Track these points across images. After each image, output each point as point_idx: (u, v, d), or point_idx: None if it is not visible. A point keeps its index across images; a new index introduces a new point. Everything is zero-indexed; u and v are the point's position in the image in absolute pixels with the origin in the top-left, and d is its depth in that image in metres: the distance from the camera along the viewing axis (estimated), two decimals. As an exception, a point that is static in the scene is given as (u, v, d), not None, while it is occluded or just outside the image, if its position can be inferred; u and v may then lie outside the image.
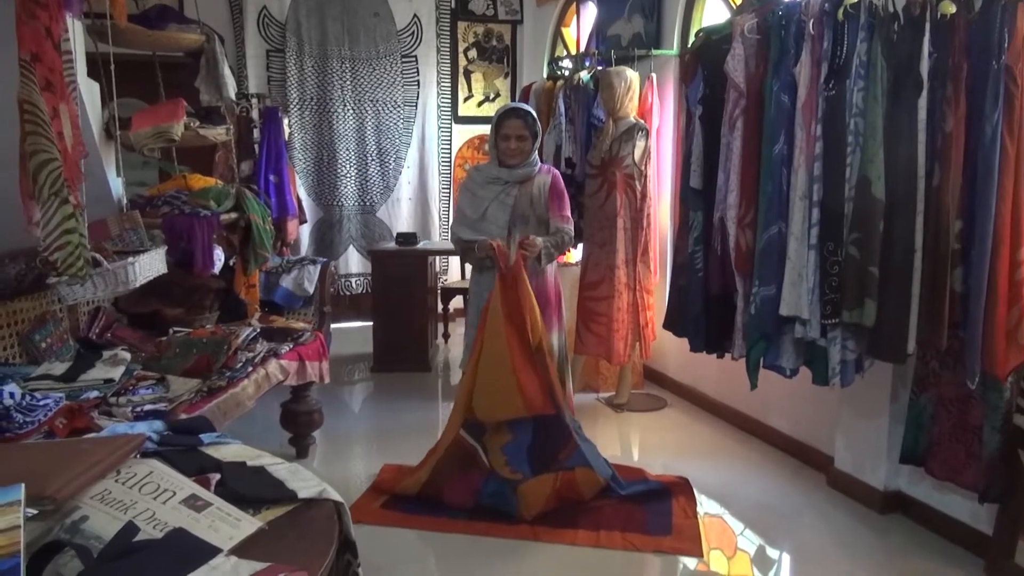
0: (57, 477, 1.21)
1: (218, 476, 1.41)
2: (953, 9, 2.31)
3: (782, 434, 3.67)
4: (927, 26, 2.33)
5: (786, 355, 2.70)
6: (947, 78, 2.32)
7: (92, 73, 3.19)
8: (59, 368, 2.38)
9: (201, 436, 1.60)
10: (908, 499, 2.95)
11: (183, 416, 2.43)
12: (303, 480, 1.44)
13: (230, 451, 1.57)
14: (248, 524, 1.24)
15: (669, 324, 3.29)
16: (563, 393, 3.09)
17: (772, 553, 2.82)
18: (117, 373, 2.35)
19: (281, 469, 1.49)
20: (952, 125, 2.32)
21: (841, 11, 2.41)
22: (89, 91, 3.05)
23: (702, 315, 3.06)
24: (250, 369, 3.01)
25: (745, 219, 2.72)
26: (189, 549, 1.12)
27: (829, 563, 2.69)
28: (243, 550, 1.18)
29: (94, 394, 2.23)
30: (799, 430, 3.56)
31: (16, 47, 2.15)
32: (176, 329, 3.11)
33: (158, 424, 1.58)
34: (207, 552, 1.13)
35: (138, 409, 2.26)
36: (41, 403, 1.98)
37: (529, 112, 3.19)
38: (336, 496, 1.41)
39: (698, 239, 3.06)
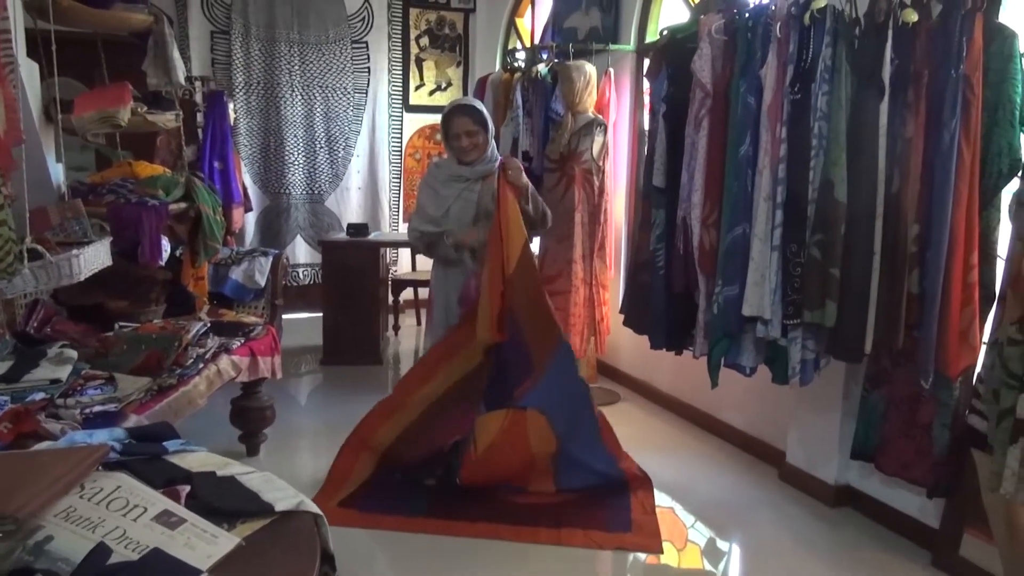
0: (17, 494, 1.13)
1: (188, 488, 1.34)
2: (915, 17, 2.36)
3: (735, 429, 3.73)
4: (889, 33, 2.38)
5: (747, 354, 2.74)
6: (908, 85, 2.37)
7: (31, 52, 3.01)
8: (0, 367, 2.24)
9: (165, 444, 1.53)
10: (858, 493, 3.03)
11: (133, 416, 2.33)
12: (278, 490, 1.39)
13: (197, 459, 1.50)
14: (226, 541, 1.18)
15: (629, 321, 3.30)
16: (538, 332, 2.99)
17: (724, 546, 2.86)
18: (64, 372, 2.23)
19: (254, 479, 1.43)
20: (912, 131, 2.37)
21: (807, 16, 2.44)
22: (29, 72, 2.89)
23: (663, 313, 3.08)
24: (201, 366, 2.91)
25: (709, 219, 2.74)
26: (168, 571, 1.06)
27: (782, 555, 2.75)
28: (223, 569, 1.13)
29: (40, 395, 2.11)
30: (752, 425, 3.63)
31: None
32: (122, 324, 2.98)
33: (119, 432, 1.50)
34: (187, 573, 1.07)
35: (87, 411, 2.15)
36: (-15, 407, 1.86)
37: (473, 106, 3.12)
38: (314, 508, 1.36)
39: (660, 237, 3.07)
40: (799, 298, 2.52)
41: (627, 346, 4.50)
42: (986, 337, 2.41)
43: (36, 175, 2.92)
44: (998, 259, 2.44)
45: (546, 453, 2.95)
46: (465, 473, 2.90)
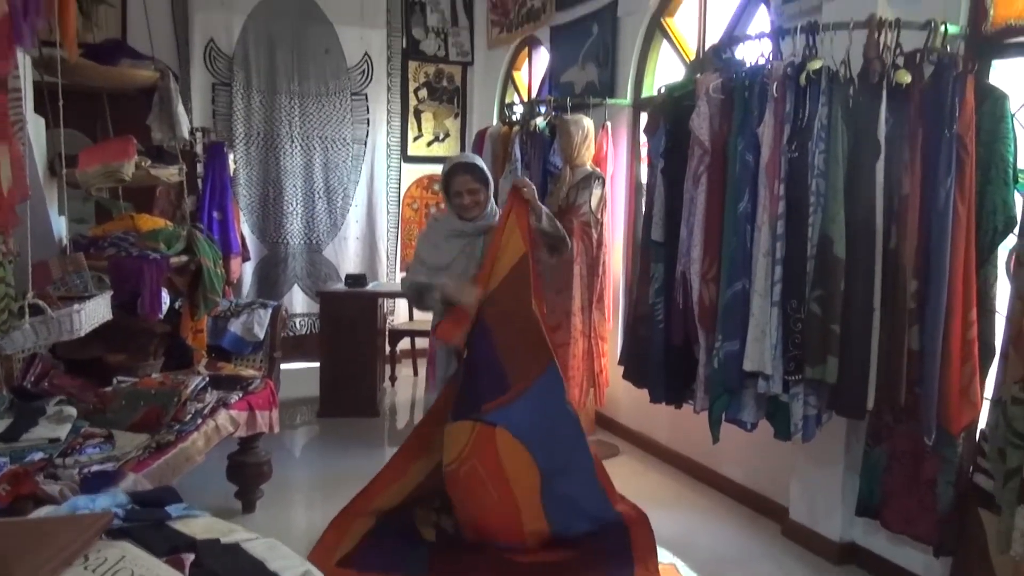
0: (22, 565, 1.11)
1: (192, 556, 1.32)
2: (908, 79, 2.41)
3: (736, 483, 3.70)
4: (884, 93, 2.43)
5: (748, 409, 2.73)
6: (903, 143, 2.42)
7: (37, 104, 3.05)
8: (-2, 425, 2.22)
9: (168, 508, 1.51)
10: (863, 550, 3.00)
11: (131, 475, 2.30)
12: (283, 558, 1.37)
13: (200, 525, 1.48)
14: (232, 613, 1.16)
15: (628, 374, 3.29)
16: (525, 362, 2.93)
17: (732, 606, 2.82)
18: (63, 431, 2.21)
19: (258, 546, 1.41)
20: (908, 188, 2.41)
21: (803, 76, 2.49)
22: (35, 127, 2.92)
23: (663, 366, 3.08)
24: (199, 421, 2.88)
25: (709, 274, 2.75)
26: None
27: (790, 616, 2.70)
28: (229, 645, 1.10)
29: (39, 455, 2.09)
30: (753, 479, 3.60)
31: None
32: (121, 379, 2.96)
33: (122, 497, 1.49)
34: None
35: (85, 471, 2.12)
36: (-17, 469, 1.84)
37: (475, 164, 3.14)
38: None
39: (659, 290, 3.08)
40: (800, 354, 2.52)
41: (626, 398, 4.48)
42: (988, 393, 2.42)
43: (39, 228, 2.92)
44: (996, 315, 2.47)
45: (529, 485, 2.83)
46: (454, 506, 2.84)
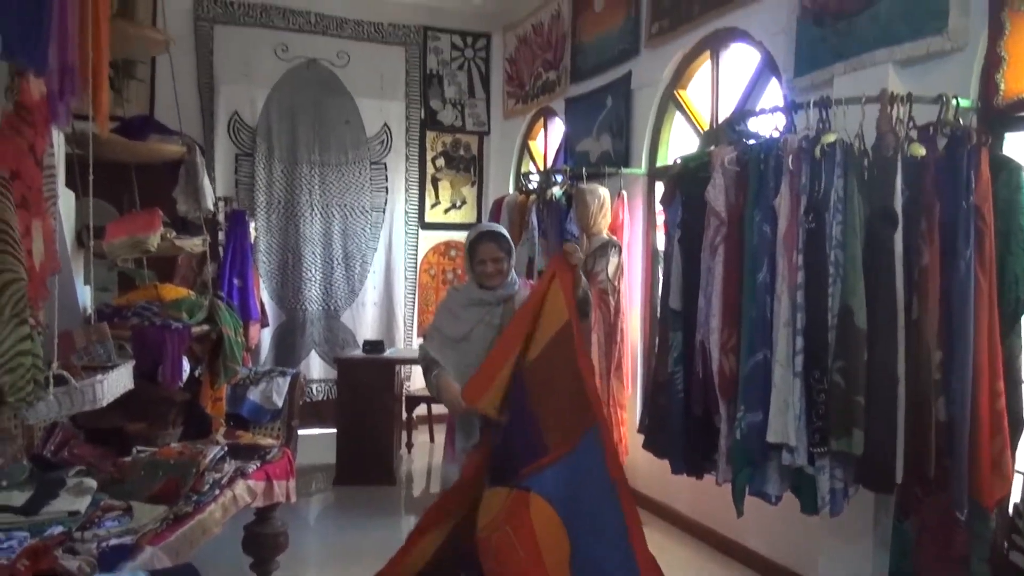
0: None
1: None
2: (923, 152, 2.44)
3: (761, 556, 3.61)
4: (899, 165, 2.46)
5: (772, 482, 2.68)
6: (921, 215, 2.43)
7: (67, 178, 3.13)
8: (19, 498, 2.22)
9: (188, 587, 1.49)
10: (895, 629, 2.89)
11: (149, 548, 2.28)
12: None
13: (220, 605, 1.46)
14: None
15: (649, 444, 3.25)
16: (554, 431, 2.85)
17: None
18: (83, 504, 2.20)
19: (279, 628, 1.38)
20: (928, 259, 2.41)
21: (818, 149, 2.52)
22: (65, 199, 2.99)
23: (683, 436, 3.03)
24: (217, 492, 2.86)
25: (728, 344, 2.74)
26: None
27: None
28: None
29: (59, 529, 2.08)
30: (778, 552, 3.51)
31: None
32: (140, 448, 2.96)
33: (141, 575, 1.47)
34: None
35: (103, 544, 2.11)
36: (4, 544, 1.83)
37: (500, 233, 3.17)
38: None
39: (678, 359, 3.06)
40: (824, 425, 2.49)
41: (646, 467, 4.41)
42: (1019, 466, 2.37)
43: (65, 299, 2.97)
44: (1023, 385, 2.44)
45: (559, 557, 2.70)
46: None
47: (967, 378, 2.33)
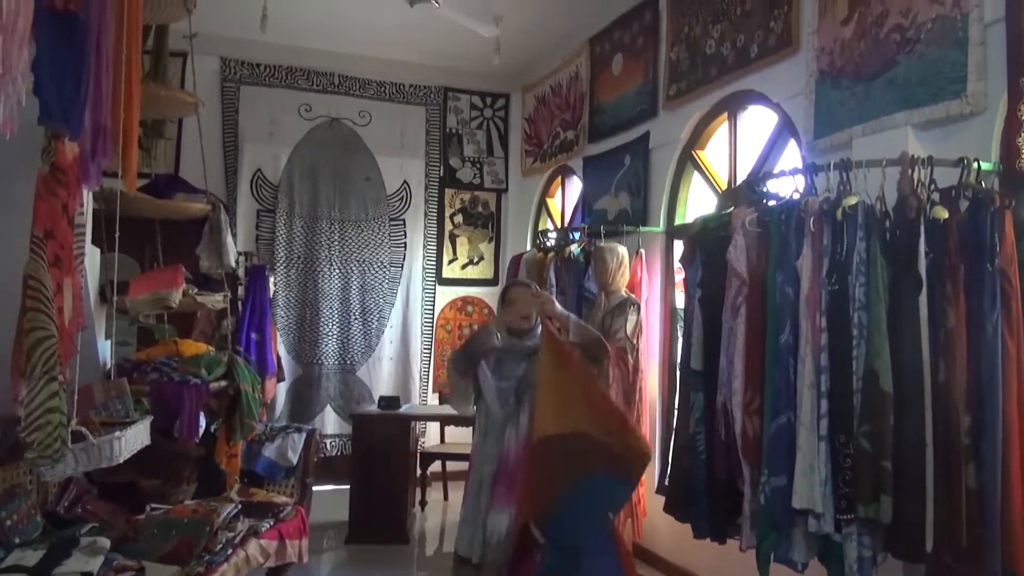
0: None
1: None
2: (946, 214, 2.43)
3: (786, 626, 3.48)
4: (921, 228, 2.44)
5: (798, 548, 2.60)
6: (945, 277, 2.41)
7: (93, 234, 3.18)
8: (31, 558, 2.20)
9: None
10: None
11: (160, 611, 2.25)
12: None
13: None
14: None
15: (669, 508, 3.18)
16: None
17: None
18: (96, 565, 2.18)
19: None
20: (954, 322, 2.38)
21: (840, 211, 2.52)
22: (91, 258, 3.04)
23: (705, 499, 2.97)
24: (230, 551, 2.84)
25: (751, 405, 2.70)
26: None
27: None
28: None
29: (70, 590, 2.05)
30: (804, 622, 3.38)
31: (31, 220, 2.15)
32: (154, 506, 2.94)
33: (155, 642, 1.44)
34: None
35: (115, 606, 2.07)
36: (16, 606, 1.81)
37: (532, 284, 3.29)
38: None
39: (699, 420, 3.02)
40: (852, 491, 2.43)
41: (665, 529, 4.31)
42: (1054, 536, 2.30)
43: (86, 353, 2.99)
44: (1055, 451, 2.37)
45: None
46: None
47: (997, 443, 2.28)
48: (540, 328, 3.16)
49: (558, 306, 3.06)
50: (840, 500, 2.46)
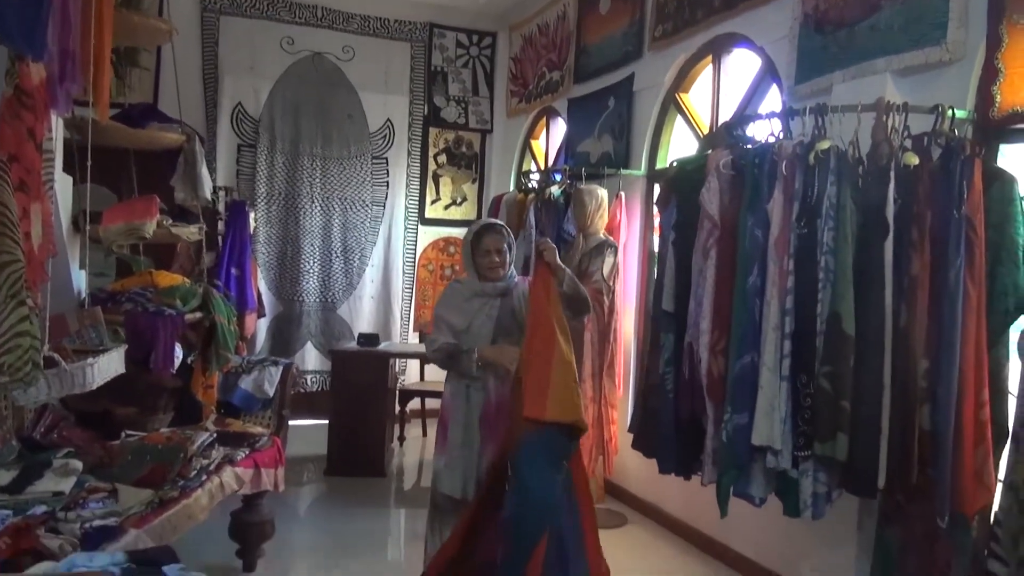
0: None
1: (186, 620, 1.31)
2: (916, 160, 2.45)
3: (747, 559, 3.61)
4: (892, 174, 2.46)
5: (756, 484, 2.69)
6: (912, 224, 2.44)
7: (66, 164, 3.15)
8: (4, 477, 2.24)
9: (165, 569, 1.51)
10: (876, 635, 2.90)
11: (132, 531, 2.30)
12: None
13: (196, 587, 1.47)
14: None
15: (638, 444, 3.26)
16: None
17: None
18: (68, 485, 2.22)
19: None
20: (918, 268, 2.42)
21: (812, 155, 2.53)
22: (63, 186, 3.00)
23: (672, 437, 3.04)
24: (204, 478, 2.88)
25: (718, 346, 2.75)
26: None
27: None
28: None
29: (42, 509, 2.10)
30: (764, 556, 3.52)
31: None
32: (128, 432, 2.98)
33: (119, 556, 1.49)
34: None
35: (87, 525, 2.12)
36: (-14, 522, 1.85)
37: (503, 225, 3.19)
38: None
39: (669, 361, 3.07)
40: (810, 429, 2.50)
41: (635, 467, 4.43)
42: (1001, 475, 2.38)
43: (59, 282, 2.98)
44: (1009, 396, 2.44)
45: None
46: None
47: (952, 387, 2.34)
48: (514, 274, 3.18)
49: (558, 257, 3.04)
50: (798, 438, 2.53)
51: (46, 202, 2.32)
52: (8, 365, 2.11)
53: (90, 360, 2.57)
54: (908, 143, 2.53)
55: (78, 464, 2.40)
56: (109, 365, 2.70)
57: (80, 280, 3.29)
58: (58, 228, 2.85)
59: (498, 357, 2.98)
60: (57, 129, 2.77)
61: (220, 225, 5.15)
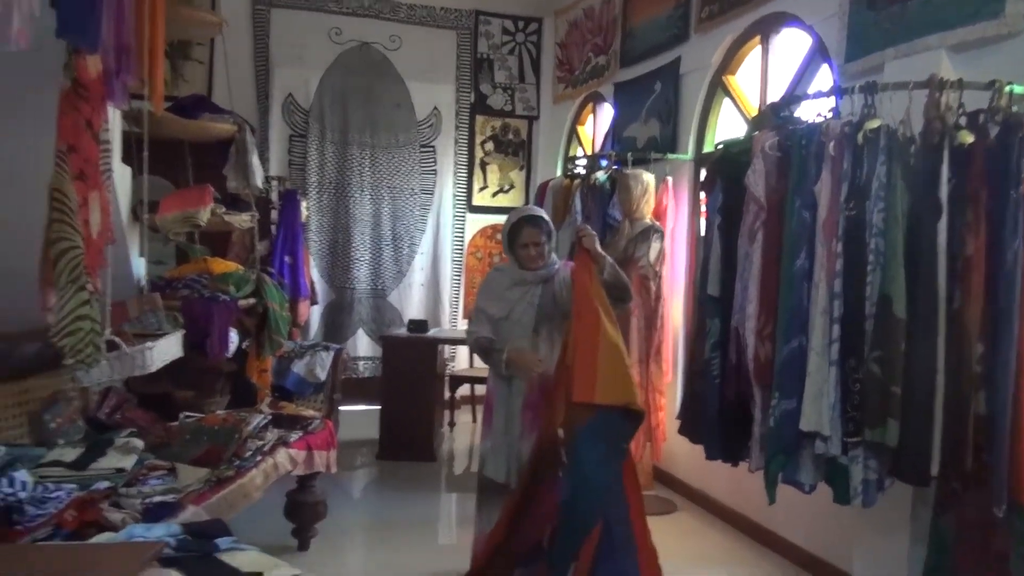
0: (77, 589, 1.18)
1: (236, 589, 1.37)
2: (971, 139, 2.37)
3: (797, 547, 3.57)
4: (945, 153, 2.39)
5: (805, 470, 2.65)
6: (966, 204, 2.37)
7: (125, 155, 3.27)
8: (70, 454, 2.35)
9: (217, 541, 1.57)
10: (929, 625, 2.84)
11: (191, 507, 2.39)
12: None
13: (247, 559, 1.53)
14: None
15: (684, 430, 3.24)
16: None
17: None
18: (129, 462, 2.32)
19: (300, 583, 1.45)
20: (972, 249, 2.35)
21: (861, 135, 2.47)
22: (121, 176, 3.12)
23: (718, 423, 3.02)
24: (259, 458, 2.98)
25: (764, 330, 2.72)
26: None
27: None
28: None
29: (105, 484, 2.20)
30: (815, 543, 3.47)
31: (55, 136, 2.22)
32: (187, 414, 3.09)
33: (175, 527, 1.56)
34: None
35: (147, 501, 2.22)
36: (53, 495, 1.95)
37: (540, 216, 3.17)
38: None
39: (715, 346, 3.05)
40: (859, 415, 2.45)
41: (684, 453, 4.40)
42: (1060, 463, 2.31)
43: (120, 269, 3.11)
44: (1070, 381, 2.36)
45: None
46: None
47: (1009, 372, 2.27)
48: (556, 261, 3.18)
49: (598, 244, 3.04)
50: (847, 423, 2.49)
51: (104, 191, 2.42)
52: (70, 347, 2.21)
53: (149, 344, 2.68)
54: (963, 121, 2.45)
55: (139, 443, 2.51)
56: (168, 349, 2.81)
57: (140, 267, 3.42)
58: (117, 217, 2.96)
59: (521, 362, 2.99)
60: (115, 121, 2.87)
61: (273, 214, 5.28)
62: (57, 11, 1.85)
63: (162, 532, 1.50)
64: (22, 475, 2.02)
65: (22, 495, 1.88)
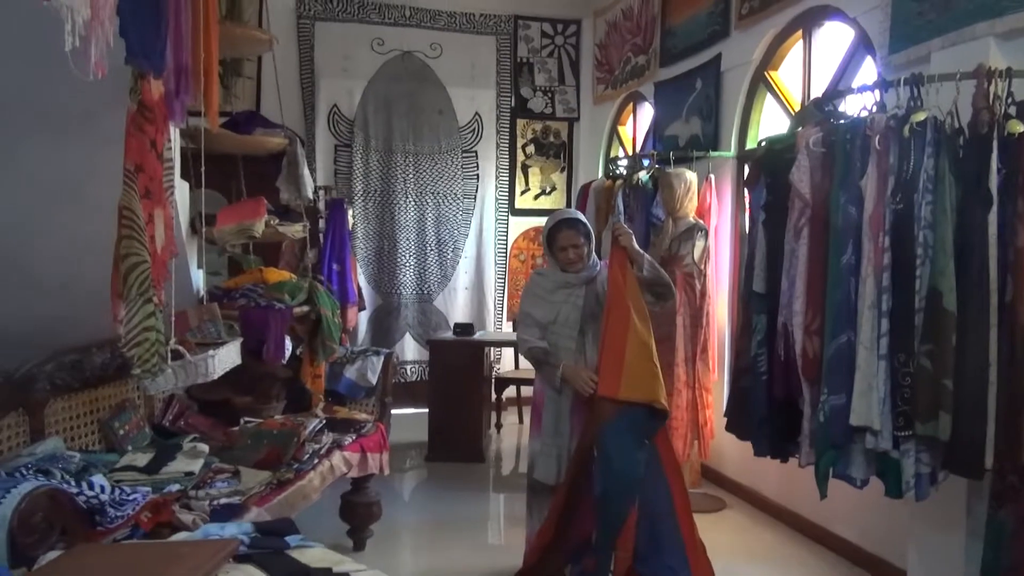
0: (162, 582, 1.26)
1: (307, 583, 1.44)
2: (1021, 128, 2.35)
3: (850, 543, 3.55)
4: (995, 143, 2.37)
5: (856, 465, 2.65)
6: (1017, 194, 2.35)
7: (182, 170, 3.39)
8: (142, 459, 2.47)
9: (287, 539, 1.65)
10: (989, 621, 2.81)
11: (255, 508, 2.49)
12: (388, 590, 1.47)
13: (315, 555, 1.61)
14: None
15: (732, 427, 3.26)
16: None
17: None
18: (197, 466, 2.43)
19: (366, 577, 1.52)
20: (1024, 240, 2.33)
21: (907, 128, 2.47)
22: (180, 191, 3.25)
23: (766, 419, 3.03)
24: (316, 461, 3.07)
25: (812, 326, 2.72)
26: None
27: None
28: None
29: (175, 487, 2.31)
30: (868, 540, 3.45)
31: (123, 155, 2.33)
32: (247, 420, 3.20)
33: (247, 526, 1.64)
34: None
35: (215, 502, 2.32)
36: (130, 497, 2.06)
37: (578, 219, 3.20)
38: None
39: (761, 342, 3.06)
40: (909, 409, 2.44)
41: (732, 451, 4.40)
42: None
43: (181, 281, 3.23)
44: None
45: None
46: None
47: (1066, 363, 2.24)
48: (597, 262, 3.22)
49: (635, 242, 3.07)
50: (898, 418, 2.49)
51: (167, 207, 2.53)
52: (138, 357, 2.32)
53: (211, 352, 2.78)
54: (1012, 110, 2.43)
55: (205, 447, 2.62)
56: (228, 356, 2.92)
57: (198, 278, 3.55)
58: (178, 231, 3.08)
59: (576, 381, 3.01)
60: (174, 139, 3.00)
61: (321, 223, 5.41)
62: (125, 39, 1.95)
63: (235, 530, 1.59)
64: (100, 479, 2.13)
65: (103, 498, 2.00)
